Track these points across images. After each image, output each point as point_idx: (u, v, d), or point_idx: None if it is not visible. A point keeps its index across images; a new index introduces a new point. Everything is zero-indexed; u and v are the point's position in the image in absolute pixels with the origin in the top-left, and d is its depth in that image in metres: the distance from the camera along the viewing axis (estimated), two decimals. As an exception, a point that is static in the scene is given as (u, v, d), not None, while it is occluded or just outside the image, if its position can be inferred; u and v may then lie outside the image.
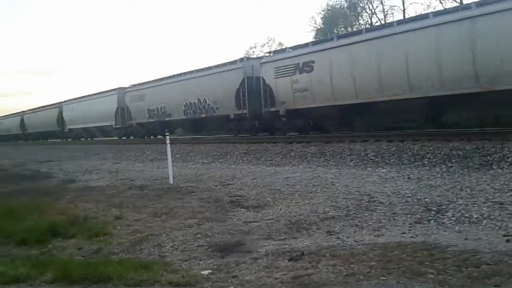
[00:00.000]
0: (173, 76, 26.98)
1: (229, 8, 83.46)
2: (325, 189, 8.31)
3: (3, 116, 55.08)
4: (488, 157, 9.61)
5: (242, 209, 7.25)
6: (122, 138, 32.11)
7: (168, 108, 26.46)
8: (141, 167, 15.43)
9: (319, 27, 40.18)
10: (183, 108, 25.04)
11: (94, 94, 35.29)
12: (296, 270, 4.18)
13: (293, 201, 7.48)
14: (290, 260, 4.48)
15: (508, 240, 4.59)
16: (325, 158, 12.62)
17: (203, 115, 23.79)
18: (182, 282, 4.10)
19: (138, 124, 29.82)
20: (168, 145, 11.49)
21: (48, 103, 43.58)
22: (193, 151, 17.82)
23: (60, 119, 39.57)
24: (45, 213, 7.83)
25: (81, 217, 7.23)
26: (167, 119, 26.48)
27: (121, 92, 31.31)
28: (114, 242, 5.78)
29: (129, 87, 31.22)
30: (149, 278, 4.24)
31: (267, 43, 50.33)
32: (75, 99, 37.97)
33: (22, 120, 47.82)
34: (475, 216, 5.67)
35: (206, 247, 5.28)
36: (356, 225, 5.72)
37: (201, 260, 4.78)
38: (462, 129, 13.12)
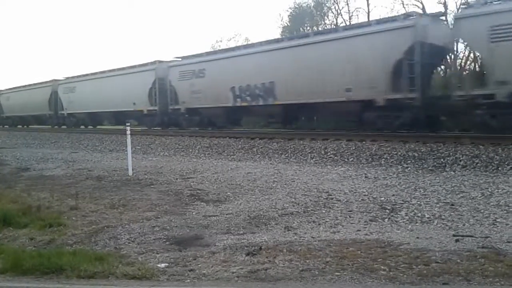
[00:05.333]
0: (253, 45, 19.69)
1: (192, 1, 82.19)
2: (285, 185, 8.41)
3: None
4: (442, 160, 9.98)
5: (202, 203, 7.22)
6: (155, 127, 23.36)
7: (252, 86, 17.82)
8: (100, 158, 15.09)
9: (286, 24, 40.39)
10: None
11: (112, 71, 26.55)
12: (253, 265, 4.22)
13: (253, 196, 7.53)
14: (247, 254, 4.51)
15: (457, 240, 4.79)
16: (287, 154, 12.75)
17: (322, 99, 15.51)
18: (137, 275, 4.05)
19: (188, 110, 21.24)
20: (129, 136, 11.28)
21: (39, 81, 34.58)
22: (154, 143, 17.57)
23: (54, 101, 31.37)
24: (-4, 201, 7.53)
25: (35, 206, 7.00)
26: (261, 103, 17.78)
27: (161, 66, 22.60)
28: (68, 233, 5.64)
29: (175, 60, 22.73)
30: (104, 270, 4.16)
31: (233, 37, 50.09)
32: (81, 76, 29.50)
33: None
34: (427, 216, 5.88)
35: (164, 240, 5.24)
36: (314, 222, 5.82)
37: (158, 253, 4.73)
38: (418, 132, 13.51)
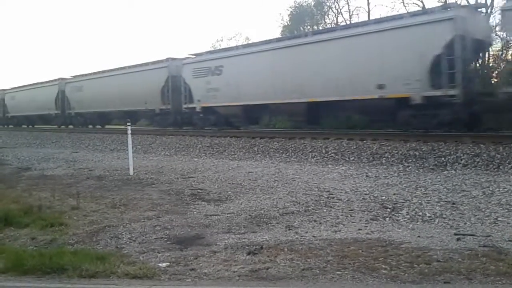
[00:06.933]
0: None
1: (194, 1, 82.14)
2: (286, 185, 8.40)
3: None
4: (443, 159, 9.97)
5: (203, 202, 7.22)
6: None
7: None
8: (101, 157, 15.09)
9: (286, 23, 40.36)
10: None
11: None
12: (254, 264, 4.22)
13: (254, 196, 7.52)
14: (248, 253, 4.51)
15: (458, 239, 4.79)
16: (287, 154, 12.74)
17: None
18: (139, 274, 4.06)
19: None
20: (130, 135, 11.28)
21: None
22: (155, 143, 17.57)
23: (174, 91, 21.26)
24: (-3, 201, 7.54)
25: (36, 206, 7.00)
26: None
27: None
28: (69, 233, 5.64)
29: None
30: (105, 269, 4.17)
31: (234, 36, 50.07)
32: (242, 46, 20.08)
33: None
34: (428, 214, 5.88)
35: (165, 239, 5.24)
36: (315, 221, 5.82)
37: (159, 253, 4.74)
38: (419, 131, 13.50)
